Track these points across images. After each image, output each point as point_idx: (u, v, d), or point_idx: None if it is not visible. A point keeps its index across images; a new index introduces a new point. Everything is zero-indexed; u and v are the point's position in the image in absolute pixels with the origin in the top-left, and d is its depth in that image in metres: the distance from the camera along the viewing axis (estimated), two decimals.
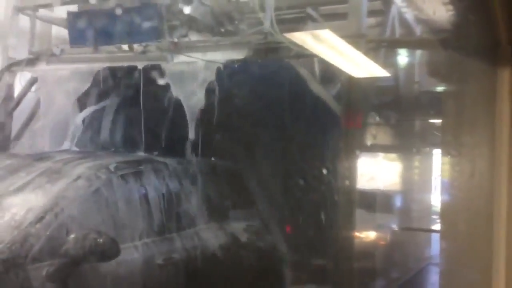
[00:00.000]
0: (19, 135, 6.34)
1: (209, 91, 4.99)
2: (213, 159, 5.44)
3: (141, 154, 5.00)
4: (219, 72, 4.94)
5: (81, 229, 3.31)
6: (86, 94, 5.79)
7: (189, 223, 4.46)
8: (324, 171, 5.92)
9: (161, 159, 4.68)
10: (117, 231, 3.65)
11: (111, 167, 3.93)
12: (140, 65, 5.20)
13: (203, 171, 4.94)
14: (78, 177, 3.68)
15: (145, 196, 4.08)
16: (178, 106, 5.09)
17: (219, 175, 5.26)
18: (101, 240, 3.20)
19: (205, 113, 5.00)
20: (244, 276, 4.85)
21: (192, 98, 4.93)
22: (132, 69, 5.29)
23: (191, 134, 4.88)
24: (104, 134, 5.87)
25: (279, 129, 5.83)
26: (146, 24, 4.85)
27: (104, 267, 3.37)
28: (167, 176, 4.41)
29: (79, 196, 3.55)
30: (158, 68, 5.17)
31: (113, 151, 5.56)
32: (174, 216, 4.30)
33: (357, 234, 5.43)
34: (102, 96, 6.01)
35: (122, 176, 3.94)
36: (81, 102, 5.92)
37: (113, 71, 5.65)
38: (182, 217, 4.41)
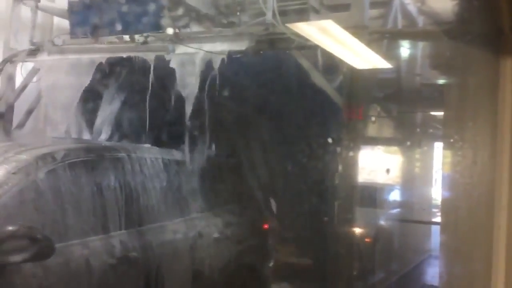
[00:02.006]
0: (20, 126, 6.33)
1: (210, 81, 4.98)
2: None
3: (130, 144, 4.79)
4: (222, 62, 4.92)
5: (12, 225, 2.95)
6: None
7: (152, 219, 4.09)
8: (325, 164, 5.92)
9: (127, 147, 4.28)
10: (59, 228, 3.30)
11: (57, 156, 3.49)
12: (143, 56, 5.20)
13: (180, 163, 4.64)
14: (15, 167, 3.26)
15: (98, 189, 3.69)
16: (177, 97, 5.07)
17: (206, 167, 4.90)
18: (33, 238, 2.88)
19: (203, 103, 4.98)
20: (218, 275, 4.54)
21: (191, 88, 4.91)
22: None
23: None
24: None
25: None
26: (147, 15, 4.84)
27: (39, 267, 3.05)
28: (129, 167, 4.01)
29: (12, 189, 3.14)
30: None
31: (82, 139, 5.25)
32: (133, 211, 3.92)
33: (357, 226, 5.44)
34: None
35: (70, 166, 3.53)
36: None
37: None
38: (143, 212, 4.03)
